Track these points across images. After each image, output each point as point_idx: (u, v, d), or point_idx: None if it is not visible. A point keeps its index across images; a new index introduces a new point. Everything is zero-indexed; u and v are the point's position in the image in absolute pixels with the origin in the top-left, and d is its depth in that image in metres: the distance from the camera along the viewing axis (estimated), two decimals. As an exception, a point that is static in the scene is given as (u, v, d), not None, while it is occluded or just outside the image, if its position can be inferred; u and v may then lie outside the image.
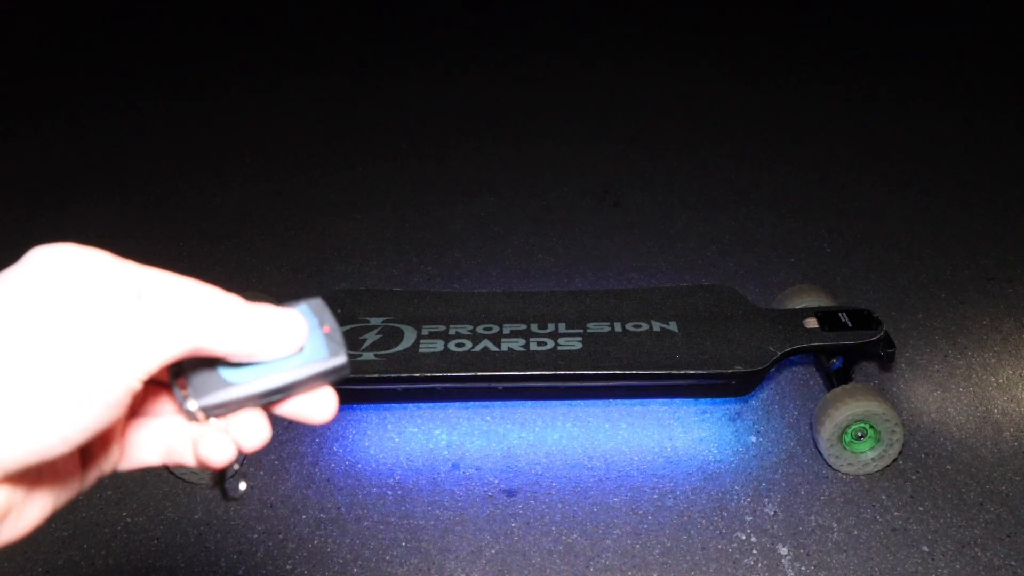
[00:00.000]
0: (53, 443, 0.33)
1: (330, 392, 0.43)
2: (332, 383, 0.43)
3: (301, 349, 0.41)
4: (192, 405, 0.40)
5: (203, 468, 0.41)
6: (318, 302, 0.44)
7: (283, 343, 0.40)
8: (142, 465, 0.43)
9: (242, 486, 0.46)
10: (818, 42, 3.73)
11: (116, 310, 0.35)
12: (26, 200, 2.66)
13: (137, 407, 0.43)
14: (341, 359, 0.42)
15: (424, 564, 1.45)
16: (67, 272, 0.35)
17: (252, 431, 0.41)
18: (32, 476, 0.37)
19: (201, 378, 0.40)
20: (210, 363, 0.40)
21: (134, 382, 0.35)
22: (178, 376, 0.41)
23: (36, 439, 0.33)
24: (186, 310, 0.37)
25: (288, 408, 0.42)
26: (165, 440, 0.42)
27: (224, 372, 0.40)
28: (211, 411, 0.40)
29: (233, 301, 0.40)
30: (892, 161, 2.74)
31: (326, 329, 0.43)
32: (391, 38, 3.98)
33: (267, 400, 0.41)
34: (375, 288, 2.04)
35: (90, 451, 0.40)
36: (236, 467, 0.42)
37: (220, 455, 0.39)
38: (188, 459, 0.42)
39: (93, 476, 0.41)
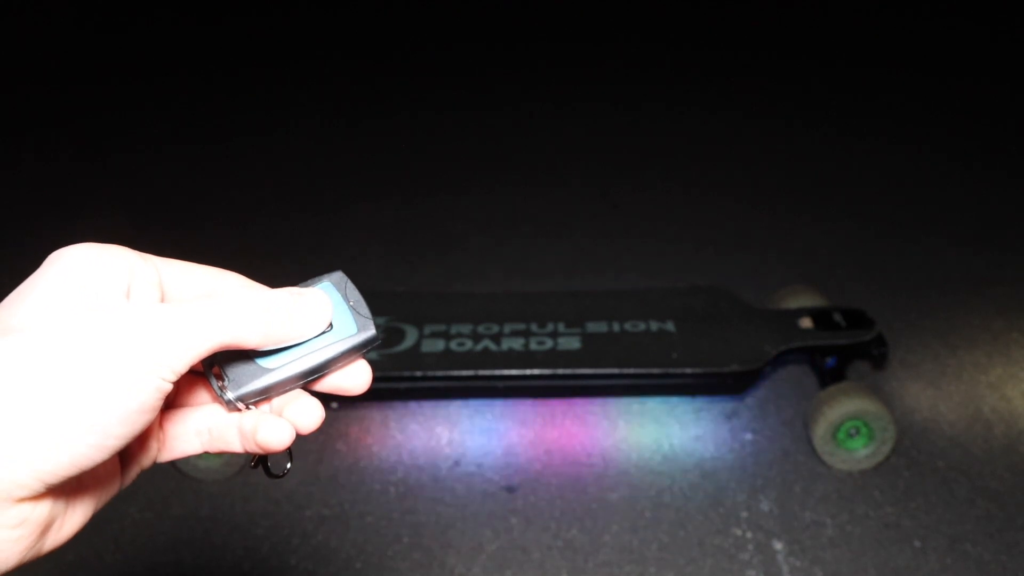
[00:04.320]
0: (90, 453, 0.33)
1: (363, 363, 0.43)
2: (364, 355, 0.43)
3: (331, 326, 0.41)
4: (231, 395, 0.40)
5: (252, 452, 0.41)
6: (339, 276, 0.43)
7: (310, 326, 0.40)
8: (183, 455, 0.42)
9: (287, 464, 0.45)
10: (812, 46, 3.76)
11: (140, 312, 0.34)
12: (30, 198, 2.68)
13: (172, 399, 0.43)
14: (370, 331, 0.42)
15: (426, 559, 1.47)
16: (88, 275, 0.35)
17: (306, 413, 0.41)
18: (73, 484, 0.36)
19: (236, 366, 0.40)
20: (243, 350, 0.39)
21: (164, 384, 0.34)
22: (212, 366, 0.41)
23: (73, 450, 0.32)
24: (210, 306, 0.36)
25: (324, 384, 0.42)
26: (205, 429, 0.42)
27: (258, 358, 0.40)
28: (250, 399, 0.40)
29: (256, 291, 0.40)
30: (883, 164, 2.77)
31: (351, 302, 0.42)
32: (399, 52, 4.00)
33: (304, 381, 0.41)
34: (377, 288, 2.07)
35: (128, 450, 0.40)
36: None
37: (280, 439, 0.39)
38: (233, 446, 0.41)
39: (133, 473, 0.41)
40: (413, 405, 1.78)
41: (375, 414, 1.77)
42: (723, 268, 2.22)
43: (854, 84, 3.38)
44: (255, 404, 0.41)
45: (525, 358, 1.61)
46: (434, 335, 1.67)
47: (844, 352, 1.69)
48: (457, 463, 1.67)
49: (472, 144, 3.01)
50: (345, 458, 1.68)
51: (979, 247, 2.29)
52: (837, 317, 1.71)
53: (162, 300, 0.39)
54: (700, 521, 1.53)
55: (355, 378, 0.43)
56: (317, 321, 0.40)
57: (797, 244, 2.33)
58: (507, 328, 1.69)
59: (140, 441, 0.40)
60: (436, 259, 2.33)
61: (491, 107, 3.31)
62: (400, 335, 1.68)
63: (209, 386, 0.42)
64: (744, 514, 1.54)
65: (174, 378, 0.35)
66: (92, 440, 0.33)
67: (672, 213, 2.52)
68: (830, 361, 1.72)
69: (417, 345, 1.65)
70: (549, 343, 1.65)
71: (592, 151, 2.93)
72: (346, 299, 0.42)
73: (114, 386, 0.33)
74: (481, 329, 1.68)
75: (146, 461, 0.41)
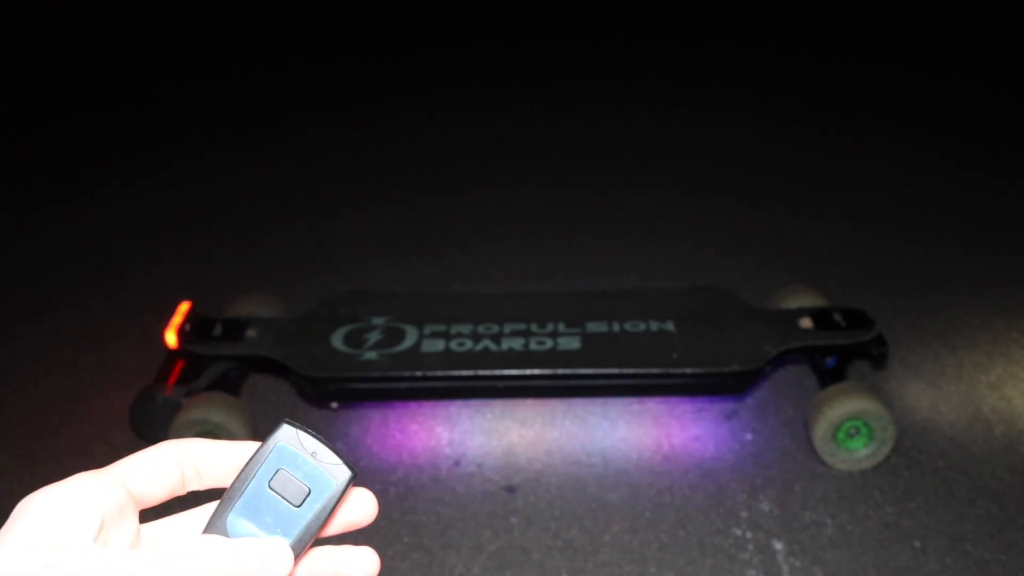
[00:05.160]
0: None
1: (362, 491, 0.42)
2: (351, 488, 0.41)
3: (309, 490, 0.40)
4: None
5: None
6: (287, 430, 0.40)
7: None
8: None
9: None
10: (811, 48, 3.76)
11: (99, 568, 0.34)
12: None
13: None
14: (345, 475, 0.40)
15: (426, 559, 1.47)
16: (55, 524, 0.35)
17: (363, 564, 0.41)
18: None
19: None
20: None
21: None
22: None
23: None
24: (167, 566, 0.36)
25: (334, 527, 0.42)
26: None
27: None
28: None
29: (214, 545, 0.38)
30: (884, 165, 2.77)
31: (311, 452, 0.40)
32: (400, 51, 4.01)
33: (312, 543, 0.40)
34: (378, 289, 2.07)
35: None
36: None
37: None
38: None
39: None
40: (413, 405, 1.78)
41: (375, 414, 1.77)
42: (723, 268, 2.22)
43: (855, 85, 3.38)
44: None
45: (525, 358, 1.61)
46: (434, 335, 1.67)
47: (844, 352, 1.69)
48: (457, 463, 1.67)
49: (472, 145, 3.01)
50: (345, 458, 1.67)
51: (979, 247, 2.29)
52: (837, 317, 1.71)
53: (139, 508, 0.40)
54: (700, 521, 1.53)
55: (361, 510, 0.42)
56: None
57: (797, 244, 2.33)
58: (507, 328, 1.68)
59: None
60: (436, 259, 2.33)
61: (492, 108, 3.31)
62: (400, 335, 1.68)
63: None
64: (744, 514, 1.54)
65: None
66: None
67: (672, 213, 2.52)
68: (830, 361, 1.72)
69: (417, 345, 1.65)
70: (549, 343, 1.64)
71: (592, 151, 2.93)
72: (304, 451, 0.40)
73: None
74: (481, 329, 1.68)
75: None
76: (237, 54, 3.91)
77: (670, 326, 1.68)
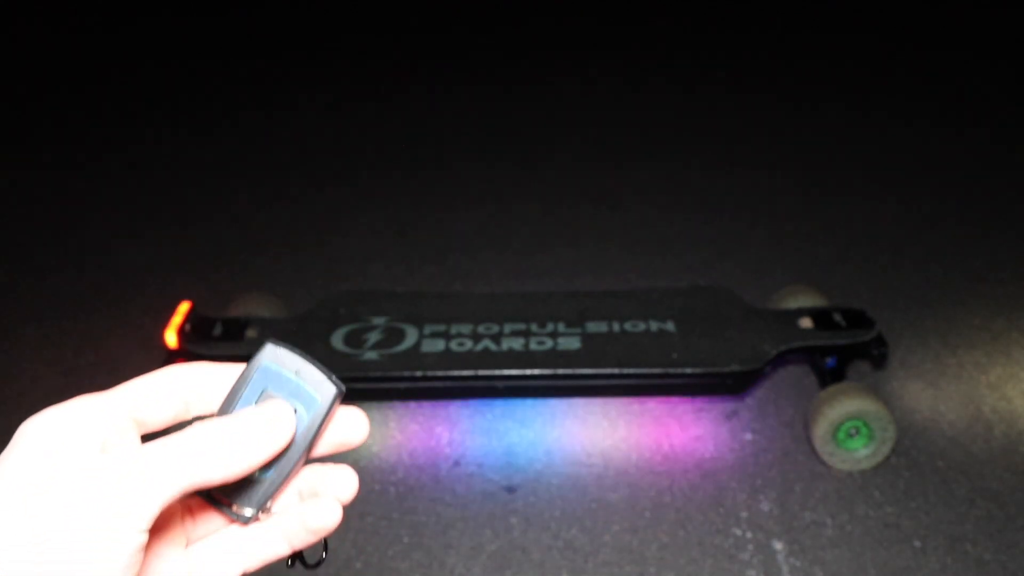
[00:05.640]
0: None
1: (353, 410, 0.42)
2: (340, 404, 0.41)
3: (294, 410, 0.39)
4: (247, 511, 0.39)
5: (301, 548, 0.40)
6: (270, 349, 0.40)
7: (272, 445, 0.38)
8: None
9: (323, 553, 0.42)
10: (811, 53, 3.76)
11: (103, 478, 0.34)
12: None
13: (190, 535, 0.41)
14: (331, 391, 0.39)
15: (426, 559, 1.47)
16: (57, 442, 0.35)
17: (344, 484, 0.41)
18: None
19: (231, 485, 0.38)
20: None
21: (138, 536, 0.34)
22: (208, 495, 0.39)
23: None
24: (169, 453, 0.35)
25: (324, 446, 0.41)
26: (237, 548, 0.40)
27: None
28: (264, 505, 0.39)
29: (211, 426, 0.38)
30: (884, 165, 2.77)
31: (295, 371, 0.39)
32: (396, 48, 4.00)
33: (304, 461, 0.40)
34: (378, 288, 2.07)
35: None
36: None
37: (333, 518, 0.39)
38: (276, 551, 0.40)
39: None
40: (413, 405, 1.78)
41: (375, 414, 1.77)
42: (723, 268, 2.22)
43: (854, 85, 3.38)
44: (271, 504, 0.40)
45: (525, 358, 1.61)
46: (434, 335, 1.67)
47: (844, 352, 1.69)
48: (457, 463, 1.67)
49: (472, 144, 3.01)
50: (345, 458, 1.67)
51: (979, 246, 2.28)
52: (837, 317, 1.71)
53: (141, 432, 0.39)
54: (700, 521, 1.53)
55: (353, 430, 0.42)
56: (277, 439, 0.38)
57: (797, 244, 2.33)
58: (507, 328, 1.69)
59: None
60: (436, 259, 2.33)
61: (491, 107, 3.31)
62: (400, 335, 1.68)
63: (217, 510, 0.41)
64: (744, 514, 1.54)
65: (146, 527, 0.34)
66: None
67: (672, 214, 2.52)
68: (830, 361, 1.72)
69: (417, 345, 1.65)
70: (549, 343, 1.65)
71: (591, 150, 2.93)
72: (288, 370, 0.40)
73: (87, 552, 0.32)
74: (481, 329, 1.68)
75: None
76: (236, 48, 3.90)
77: (670, 326, 1.68)
